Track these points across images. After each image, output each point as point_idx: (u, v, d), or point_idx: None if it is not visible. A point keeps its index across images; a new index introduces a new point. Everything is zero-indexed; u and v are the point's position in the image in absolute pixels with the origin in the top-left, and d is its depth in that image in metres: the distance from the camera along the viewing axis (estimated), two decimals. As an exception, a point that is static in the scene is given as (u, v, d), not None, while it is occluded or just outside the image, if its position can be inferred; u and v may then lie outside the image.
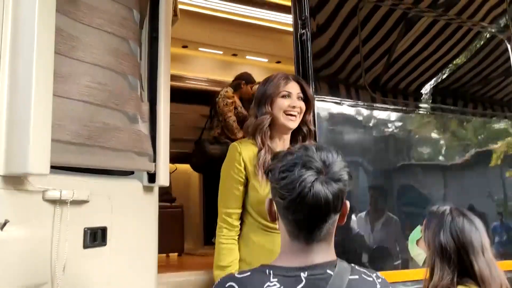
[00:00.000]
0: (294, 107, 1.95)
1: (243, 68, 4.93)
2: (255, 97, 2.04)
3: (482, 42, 3.51)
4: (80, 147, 1.57)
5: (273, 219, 1.18)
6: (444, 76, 3.29)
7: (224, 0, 4.77)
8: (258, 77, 4.22)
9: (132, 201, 1.91)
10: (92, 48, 1.65)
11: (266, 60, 5.72)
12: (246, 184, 1.99)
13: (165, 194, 3.87)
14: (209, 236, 5.00)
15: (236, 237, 2.01)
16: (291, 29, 5.22)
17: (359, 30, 2.89)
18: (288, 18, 5.08)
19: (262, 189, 1.93)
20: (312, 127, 2.07)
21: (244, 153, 1.99)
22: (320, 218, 1.08)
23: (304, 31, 2.75)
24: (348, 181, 1.10)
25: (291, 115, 1.96)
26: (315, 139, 2.21)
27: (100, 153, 1.67)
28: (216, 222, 2.04)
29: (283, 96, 1.96)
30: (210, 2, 4.78)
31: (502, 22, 3.61)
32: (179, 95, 4.18)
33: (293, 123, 1.98)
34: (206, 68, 5.60)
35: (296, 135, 2.06)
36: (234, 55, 5.68)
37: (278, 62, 5.71)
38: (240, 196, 2.00)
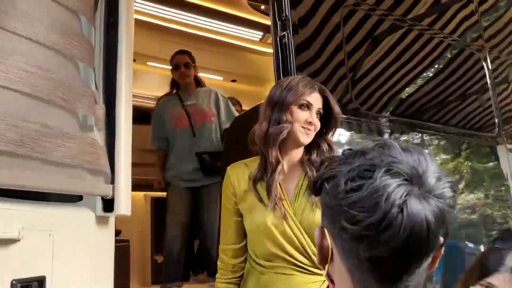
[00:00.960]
0: (310, 123, 1.57)
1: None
2: (270, 100, 1.61)
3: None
4: (8, 158, 1.05)
5: (323, 260, 0.74)
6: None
7: (176, 9, 4.32)
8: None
9: (82, 238, 1.39)
10: (31, 18, 1.15)
11: (221, 78, 5.30)
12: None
13: (108, 227, 3.37)
14: (158, 274, 4.44)
15: (235, 280, 1.64)
16: (249, 45, 4.98)
17: (342, 26, 2.56)
18: (247, 33, 4.74)
19: (251, 214, 1.57)
20: (334, 147, 1.66)
21: (234, 176, 1.63)
22: (415, 257, 0.66)
23: (284, 33, 2.37)
24: (453, 199, 0.69)
25: (307, 129, 1.57)
26: None
27: (39, 169, 1.15)
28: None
29: (301, 106, 1.57)
30: (161, 11, 4.32)
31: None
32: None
33: (308, 139, 1.59)
34: (155, 85, 5.08)
35: (310, 150, 1.66)
36: (186, 71, 5.19)
37: (234, 80, 5.32)
38: (236, 229, 1.63)
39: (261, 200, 1.53)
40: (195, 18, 4.43)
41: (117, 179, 1.47)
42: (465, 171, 3.15)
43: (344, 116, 2.45)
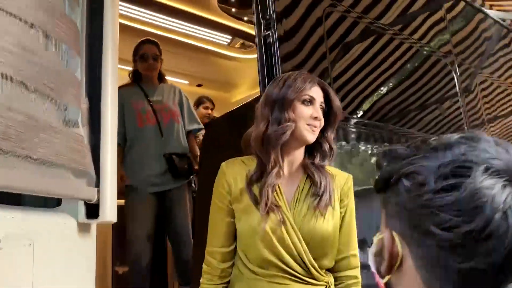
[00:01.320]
0: (316, 118, 1.47)
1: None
2: (268, 99, 1.51)
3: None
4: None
5: (390, 270, 0.64)
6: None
7: (143, 8, 4.13)
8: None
9: (62, 248, 1.21)
10: (15, -8, 0.99)
11: (187, 82, 5.14)
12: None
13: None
14: (118, 286, 4.20)
15: (222, 286, 1.52)
16: (217, 49, 4.85)
17: (324, 21, 2.50)
18: (215, 37, 4.62)
19: (247, 216, 1.45)
20: (335, 146, 1.57)
21: (230, 174, 1.50)
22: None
23: (269, 32, 2.27)
24: None
25: (313, 125, 1.48)
26: None
27: (20, 167, 0.98)
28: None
29: (304, 102, 1.47)
30: (126, 10, 4.11)
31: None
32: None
33: (313, 136, 1.49)
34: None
35: (313, 152, 1.56)
36: (150, 74, 4.97)
37: (199, 85, 5.17)
38: (227, 230, 1.51)
39: (256, 203, 1.43)
40: (162, 19, 4.27)
41: (102, 181, 1.31)
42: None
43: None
